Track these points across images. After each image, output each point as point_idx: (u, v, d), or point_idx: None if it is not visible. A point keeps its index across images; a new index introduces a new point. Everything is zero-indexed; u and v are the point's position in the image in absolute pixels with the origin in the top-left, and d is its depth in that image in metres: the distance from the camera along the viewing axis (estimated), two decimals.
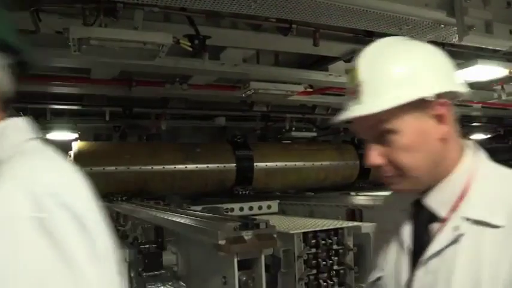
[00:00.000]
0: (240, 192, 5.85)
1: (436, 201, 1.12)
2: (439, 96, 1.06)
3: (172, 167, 5.48)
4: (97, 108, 5.70)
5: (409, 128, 1.07)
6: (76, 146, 5.51)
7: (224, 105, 5.96)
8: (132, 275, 3.38)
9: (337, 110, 5.41)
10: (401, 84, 1.06)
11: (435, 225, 1.10)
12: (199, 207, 4.23)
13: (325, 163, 6.45)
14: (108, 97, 5.43)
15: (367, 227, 3.16)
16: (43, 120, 5.82)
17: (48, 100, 5.25)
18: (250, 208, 5.00)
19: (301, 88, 4.76)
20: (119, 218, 4.96)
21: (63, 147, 6.29)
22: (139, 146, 6.45)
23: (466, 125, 8.13)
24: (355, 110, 1.09)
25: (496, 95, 5.64)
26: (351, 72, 1.14)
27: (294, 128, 6.70)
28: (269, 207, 5.09)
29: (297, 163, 6.21)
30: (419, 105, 1.06)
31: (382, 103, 1.04)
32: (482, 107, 6.59)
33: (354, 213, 4.15)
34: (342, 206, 4.39)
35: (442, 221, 1.09)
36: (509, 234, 0.98)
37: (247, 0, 2.61)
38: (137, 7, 2.97)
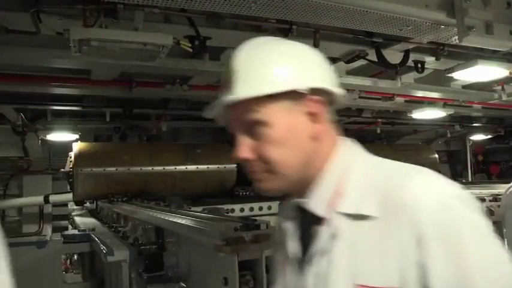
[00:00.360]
0: (241, 193, 5.85)
1: (314, 201, 1.09)
2: (313, 92, 1.05)
3: (172, 167, 5.49)
4: (97, 109, 5.70)
5: (280, 122, 1.04)
6: (76, 146, 5.52)
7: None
8: (132, 276, 3.38)
9: (338, 110, 5.38)
10: (274, 75, 1.04)
11: (318, 227, 1.06)
12: (199, 208, 4.24)
13: None
14: (109, 98, 5.43)
15: None
16: (43, 121, 5.83)
17: (48, 101, 5.25)
18: (251, 209, 5.00)
19: None
20: (120, 219, 4.96)
21: (64, 148, 6.31)
22: (139, 146, 6.46)
23: (466, 126, 8.14)
24: (225, 99, 1.07)
25: (496, 95, 5.64)
26: (226, 65, 1.13)
27: None
28: (269, 208, 5.09)
29: None
30: (292, 99, 1.04)
31: (252, 91, 1.02)
32: (483, 107, 6.59)
33: None
34: None
35: (323, 220, 1.06)
36: (381, 223, 0.96)
37: (247, 1, 2.61)
38: (137, 8, 2.97)
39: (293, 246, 1.14)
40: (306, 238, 1.10)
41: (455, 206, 0.93)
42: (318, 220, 1.06)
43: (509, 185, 2.77)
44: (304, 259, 1.09)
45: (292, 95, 1.04)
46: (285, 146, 1.05)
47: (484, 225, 0.95)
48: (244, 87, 1.04)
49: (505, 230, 2.74)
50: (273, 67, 1.06)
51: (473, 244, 0.91)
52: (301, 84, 1.04)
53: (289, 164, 1.06)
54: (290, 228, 1.17)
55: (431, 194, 0.94)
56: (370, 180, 1.03)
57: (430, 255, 0.90)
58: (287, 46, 1.14)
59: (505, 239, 2.68)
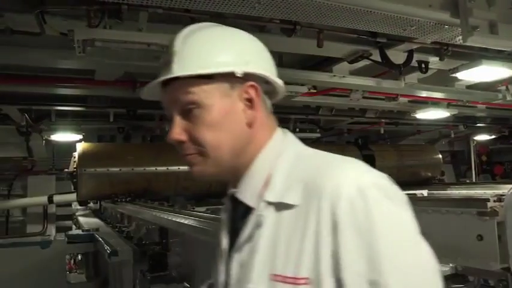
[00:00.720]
0: None
1: (244, 190, 1.09)
2: (252, 79, 1.06)
3: (176, 167, 5.49)
4: (101, 110, 5.71)
5: (216, 105, 1.04)
6: (80, 147, 5.53)
7: None
8: (136, 275, 3.39)
9: (341, 111, 5.39)
10: (212, 57, 1.04)
11: (248, 216, 1.06)
12: (203, 208, 4.24)
13: None
14: (112, 98, 5.44)
15: None
16: (47, 121, 5.85)
17: (52, 101, 5.27)
18: None
19: (305, 89, 4.76)
20: (123, 219, 4.97)
21: (68, 148, 6.32)
22: (143, 147, 6.47)
23: (470, 126, 8.12)
24: (160, 77, 1.07)
25: (500, 95, 5.62)
26: (168, 45, 1.12)
27: (297, 129, 6.70)
28: None
29: None
30: (229, 83, 1.05)
31: (188, 70, 1.02)
32: (487, 107, 6.57)
33: None
34: None
35: (252, 210, 1.05)
36: (303, 212, 0.95)
37: (251, 1, 2.61)
38: (141, 9, 2.98)
39: (224, 237, 1.15)
40: (237, 229, 1.09)
41: (374, 196, 0.92)
42: (249, 210, 1.06)
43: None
44: (232, 249, 1.09)
45: (230, 79, 1.04)
46: (219, 130, 1.05)
47: (404, 219, 0.95)
48: (181, 67, 1.04)
49: (507, 231, 2.73)
50: (212, 49, 1.06)
51: (387, 236, 0.89)
52: (240, 68, 1.03)
53: (222, 148, 1.05)
54: (224, 219, 1.19)
55: (350, 183, 0.93)
56: (297, 169, 1.03)
57: (343, 245, 0.89)
58: (229, 31, 1.13)
59: (508, 240, 2.66)
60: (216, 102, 1.04)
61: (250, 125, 1.07)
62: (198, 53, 1.05)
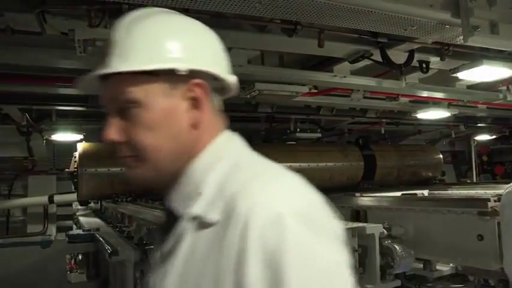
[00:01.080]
0: None
1: (177, 199, 1.00)
2: (198, 76, 0.97)
3: None
4: (102, 110, 5.68)
5: (156, 104, 0.95)
6: (81, 147, 5.53)
7: (229, 106, 5.88)
8: (137, 275, 3.39)
9: (342, 111, 5.39)
10: (155, 51, 0.95)
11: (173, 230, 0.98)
12: None
13: (329, 164, 6.45)
14: None
15: (371, 227, 3.16)
16: (48, 121, 5.84)
17: (53, 101, 5.26)
18: None
19: (305, 89, 4.76)
20: (124, 219, 4.97)
21: (68, 148, 6.32)
22: None
23: (471, 126, 8.11)
24: (96, 71, 0.98)
25: (501, 95, 5.62)
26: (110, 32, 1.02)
27: (298, 129, 6.69)
28: None
29: (301, 164, 6.20)
30: (173, 81, 0.96)
31: (127, 65, 0.93)
32: (488, 107, 6.56)
33: (359, 214, 4.15)
34: (346, 207, 4.39)
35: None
36: (219, 232, 0.86)
37: (251, 1, 2.61)
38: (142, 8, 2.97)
39: (155, 247, 1.08)
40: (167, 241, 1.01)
41: (291, 226, 0.81)
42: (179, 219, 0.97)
43: (508, 185, 2.76)
44: (157, 261, 1.02)
45: (174, 76, 0.95)
46: (159, 131, 0.96)
47: (324, 256, 0.83)
48: (119, 61, 0.94)
49: (502, 230, 2.73)
50: (157, 42, 0.96)
51: (297, 274, 0.79)
52: (185, 65, 0.95)
53: (162, 151, 0.96)
54: (158, 227, 1.12)
55: (267, 207, 0.83)
56: (229, 181, 0.93)
57: (248, 276, 0.80)
58: (178, 21, 1.03)
59: (502, 239, 2.66)
60: (158, 101, 0.95)
61: (194, 126, 0.99)
62: (141, 45, 0.95)
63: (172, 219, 0.99)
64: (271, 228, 0.80)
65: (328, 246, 0.84)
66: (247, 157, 1.01)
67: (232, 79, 1.07)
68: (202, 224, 0.91)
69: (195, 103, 0.99)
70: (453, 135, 8.62)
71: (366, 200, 4.57)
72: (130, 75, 0.94)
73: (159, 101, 0.96)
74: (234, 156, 0.99)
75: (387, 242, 3.23)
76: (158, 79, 0.95)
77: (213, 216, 0.89)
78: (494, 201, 3.81)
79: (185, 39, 0.99)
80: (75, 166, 5.50)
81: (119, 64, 0.94)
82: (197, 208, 0.93)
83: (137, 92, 0.95)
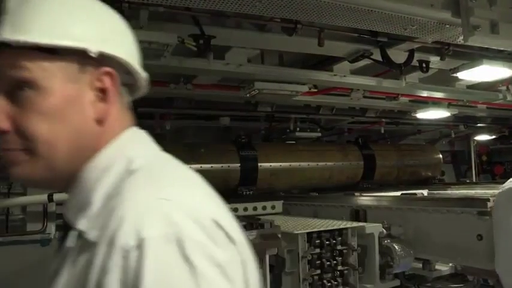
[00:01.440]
0: (244, 193, 5.84)
1: (70, 207, 0.87)
2: (108, 63, 0.85)
3: None
4: None
5: (57, 88, 0.80)
6: None
7: (229, 105, 5.96)
8: None
9: (342, 110, 5.40)
10: (60, 24, 0.80)
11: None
12: None
13: (329, 163, 6.44)
14: None
15: (371, 227, 3.16)
16: None
17: None
18: (255, 208, 5.00)
19: (305, 88, 4.76)
20: None
21: None
22: None
23: (470, 126, 8.11)
24: None
25: (501, 95, 5.62)
26: None
27: (298, 129, 6.69)
28: (273, 207, 5.09)
29: (301, 163, 6.20)
30: (79, 64, 0.82)
31: (21, 36, 0.77)
32: (487, 107, 6.57)
33: (358, 214, 4.15)
34: (346, 206, 4.39)
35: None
36: (96, 251, 0.74)
37: (252, 0, 2.61)
38: (142, 7, 2.97)
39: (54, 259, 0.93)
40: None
41: (158, 253, 0.69)
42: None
43: (502, 185, 2.77)
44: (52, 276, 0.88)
45: (80, 59, 0.82)
46: (57, 122, 0.80)
47: (191, 285, 0.69)
48: (13, 30, 0.78)
49: (494, 230, 2.73)
50: (62, 14, 0.81)
51: None
52: (95, 46, 0.81)
53: (58, 146, 0.81)
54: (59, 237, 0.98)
55: (137, 225, 0.70)
56: (114, 191, 0.80)
57: None
58: (91, 0, 0.90)
59: (494, 239, 2.66)
60: (58, 85, 0.80)
61: (99, 121, 0.86)
62: (44, 16, 0.79)
63: (67, 229, 0.87)
64: (132, 253, 0.69)
65: (205, 282, 0.70)
66: (146, 160, 0.87)
67: (144, 75, 0.96)
68: (85, 240, 0.78)
69: (103, 95, 0.86)
70: (453, 135, 8.62)
71: (365, 199, 4.58)
72: (25, 50, 0.78)
73: (60, 86, 0.81)
74: (129, 160, 0.85)
75: (386, 242, 3.24)
76: (62, 59, 0.80)
77: (94, 233, 0.77)
78: (494, 201, 3.82)
79: (99, 20, 0.87)
80: None
81: (10, 34, 0.77)
82: (83, 222, 0.80)
83: (33, 70, 0.79)
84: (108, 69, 0.85)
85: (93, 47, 0.81)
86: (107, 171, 0.84)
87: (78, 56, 0.81)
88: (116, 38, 0.89)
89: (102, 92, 0.86)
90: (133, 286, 0.68)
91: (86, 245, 0.77)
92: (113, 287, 0.68)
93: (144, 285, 0.67)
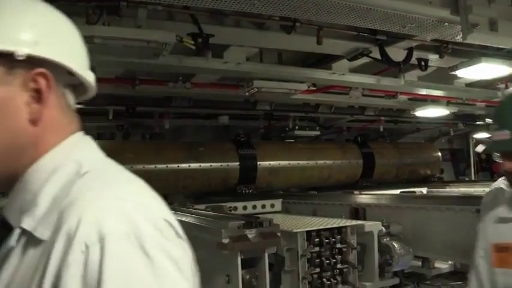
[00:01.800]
0: (243, 191, 5.84)
1: (10, 208, 0.86)
2: (43, 64, 0.84)
3: (175, 165, 5.48)
4: (100, 107, 5.70)
5: None
6: None
7: (227, 104, 5.96)
8: None
9: (341, 108, 5.40)
10: None
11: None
12: (202, 206, 4.24)
13: (328, 162, 6.44)
14: (112, 96, 5.43)
15: (370, 225, 3.16)
16: None
17: None
18: (254, 207, 5.00)
19: (304, 87, 4.76)
20: None
21: None
22: (142, 144, 6.45)
23: (469, 124, 8.11)
24: None
25: (500, 93, 5.62)
26: None
27: (297, 127, 6.69)
28: (272, 206, 5.09)
29: (300, 162, 6.20)
30: (7, 66, 0.82)
31: None
32: (486, 105, 6.57)
33: (358, 212, 4.15)
34: (345, 205, 4.39)
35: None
36: (48, 246, 0.76)
37: None
38: (140, 5, 2.97)
39: None
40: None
41: (117, 248, 0.72)
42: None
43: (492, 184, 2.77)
44: None
45: (9, 60, 0.82)
46: None
47: (150, 279, 0.73)
48: None
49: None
50: None
51: None
52: (25, 49, 0.81)
53: None
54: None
55: (95, 223, 0.74)
56: (63, 193, 0.82)
57: None
58: (29, 1, 0.90)
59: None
60: None
61: (33, 122, 0.85)
62: None
63: (6, 229, 0.86)
64: (93, 248, 0.72)
65: (163, 274, 0.75)
66: (95, 164, 0.89)
67: (89, 77, 0.95)
68: (32, 239, 0.80)
69: (38, 96, 0.85)
70: (452, 133, 8.63)
71: (364, 197, 4.58)
72: None
73: None
74: (78, 163, 0.87)
75: (386, 240, 3.24)
76: None
77: (43, 232, 0.78)
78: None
79: (33, 22, 0.86)
80: None
81: None
82: (29, 222, 0.81)
83: None
84: (41, 70, 0.84)
85: (23, 50, 0.81)
86: (54, 173, 0.85)
87: (7, 57, 0.81)
88: (51, 40, 0.87)
89: (38, 93, 0.85)
90: (95, 279, 0.70)
91: (33, 244, 0.79)
92: (73, 281, 0.71)
93: (106, 278, 0.70)
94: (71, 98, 0.94)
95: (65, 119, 0.92)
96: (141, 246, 0.74)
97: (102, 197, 0.79)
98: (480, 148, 6.76)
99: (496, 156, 1.81)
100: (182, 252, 0.82)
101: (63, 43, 0.90)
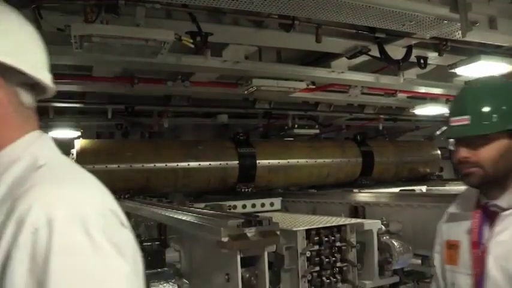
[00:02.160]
0: (243, 190, 5.84)
1: None
2: None
3: (174, 164, 5.47)
4: (99, 106, 5.70)
5: None
6: (79, 144, 5.51)
7: (226, 102, 5.95)
8: None
9: (340, 107, 5.40)
10: None
11: None
12: (202, 205, 4.23)
13: (327, 160, 6.44)
14: (110, 95, 5.43)
15: (369, 224, 3.16)
16: (45, 118, 5.82)
17: (50, 98, 5.23)
18: (253, 205, 4.99)
19: (303, 85, 4.75)
20: None
21: (66, 145, 6.30)
22: (141, 143, 6.45)
23: None
24: None
25: None
26: None
27: (296, 125, 6.69)
28: (272, 204, 5.09)
29: (299, 160, 6.19)
30: None
31: None
32: None
33: (357, 210, 4.15)
34: (344, 203, 4.39)
35: None
36: (5, 230, 0.81)
37: None
38: (139, 4, 2.96)
39: None
40: None
41: (64, 233, 0.79)
42: None
43: None
44: None
45: None
46: None
47: (97, 264, 0.80)
48: None
49: None
50: None
51: (60, 278, 0.77)
52: None
53: None
54: None
55: (44, 208, 0.80)
56: (19, 183, 0.88)
57: (12, 276, 0.77)
58: None
59: None
60: None
61: None
62: None
63: None
64: (42, 230, 0.78)
65: (104, 255, 0.81)
66: (50, 159, 0.95)
67: (43, 77, 0.98)
68: None
69: None
70: None
71: (364, 196, 4.57)
72: None
73: None
74: (34, 157, 0.93)
75: (385, 238, 3.23)
76: None
77: None
78: None
79: None
80: None
81: None
82: None
83: None
84: None
85: None
86: (12, 165, 0.91)
87: None
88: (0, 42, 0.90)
89: None
90: (42, 257, 0.77)
91: None
92: (22, 259, 0.77)
93: (53, 256, 0.77)
94: (26, 97, 0.98)
95: (19, 117, 0.96)
96: (86, 229, 0.80)
97: (53, 188, 0.85)
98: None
99: (451, 144, 1.69)
100: (125, 239, 0.88)
101: (14, 44, 0.92)
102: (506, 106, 1.55)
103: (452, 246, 1.70)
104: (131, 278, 0.85)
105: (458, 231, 1.70)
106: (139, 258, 0.92)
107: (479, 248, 1.58)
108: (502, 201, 1.58)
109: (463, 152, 1.59)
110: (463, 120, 1.57)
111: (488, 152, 1.54)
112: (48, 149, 1.00)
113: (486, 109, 1.55)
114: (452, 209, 1.87)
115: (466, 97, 1.69)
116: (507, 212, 1.55)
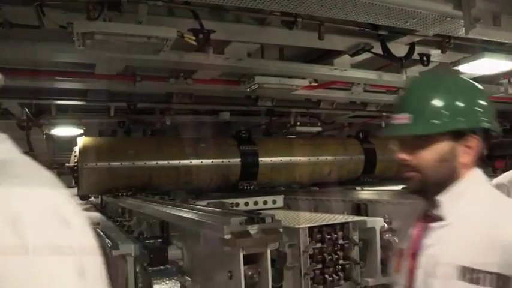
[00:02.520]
0: (245, 187, 5.85)
1: None
2: None
3: (177, 162, 5.48)
4: (102, 104, 5.70)
5: None
6: (81, 141, 5.52)
7: (229, 100, 5.95)
8: (137, 270, 3.39)
9: (343, 104, 5.39)
10: None
11: None
12: (204, 202, 4.24)
13: (330, 158, 6.44)
14: (113, 92, 5.43)
15: (372, 221, 3.15)
16: (48, 116, 5.83)
17: (52, 96, 5.25)
18: (255, 203, 4.99)
19: (306, 82, 4.74)
20: (124, 213, 4.97)
21: (68, 143, 6.31)
22: (144, 141, 6.46)
23: None
24: None
25: (502, 89, 5.60)
26: None
27: (298, 123, 6.69)
28: (274, 202, 5.08)
29: (301, 158, 6.19)
30: None
31: None
32: None
33: (359, 208, 4.15)
34: (347, 201, 4.38)
35: None
36: None
37: None
38: (141, 1, 2.96)
39: None
40: None
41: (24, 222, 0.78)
42: None
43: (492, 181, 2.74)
44: None
45: None
46: None
47: (39, 265, 0.77)
48: None
49: None
50: None
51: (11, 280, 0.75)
52: None
53: None
54: None
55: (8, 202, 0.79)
56: None
57: None
58: None
59: None
60: None
61: None
62: None
63: None
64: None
65: (30, 246, 0.77)
66: (10, 157, 0.93)
67: None
68: None
69: None
70: None
71: (366, 193, 4.57)
72: None
73: None
74: None
75: (388, 236, 3.23)
76: None
77: None
78: None
79: None
80: (76, 161, 5.49)
81: None
82: None
83: None
84: None
85: None
86: None
87: None
88: None
89: None
90: None
91: None
92: None
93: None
94: None
95: None
96: (14, 228, 0.77)
97: (10, 184, 0.82)
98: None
99: (392, 144, 1.51)
100: (65, 239, 0.83)
101: None
102: (450, 105, 1.40)
103: (399, 255, 1.57)
104: (70, 280, 0.80)
105: (405, 239, 1.57)
106: (92, 258, 0.88)
107: (414, 259, 1.45)
108: (439, 210, 1.42)
109: (402, 154, 1.46)
110: (403, 118, 1.42)
111: (429, 155, 1.41)
112: (7, 148, 0.97)
113: (427, 108, 1.40)
114: (406, 215, 1.72)
115: (409, 94, 1.53)
116: (435, 224, 1.42)
